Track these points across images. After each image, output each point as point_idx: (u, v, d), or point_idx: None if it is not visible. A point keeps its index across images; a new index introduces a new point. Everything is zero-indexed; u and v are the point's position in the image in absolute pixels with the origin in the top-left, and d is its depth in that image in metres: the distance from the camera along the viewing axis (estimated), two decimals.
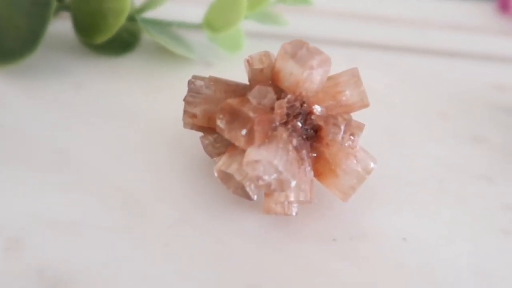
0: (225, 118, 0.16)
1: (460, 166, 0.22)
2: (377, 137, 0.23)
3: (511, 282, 0.17)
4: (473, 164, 0.22)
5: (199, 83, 0.18)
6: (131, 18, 0.25)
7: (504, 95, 0.27)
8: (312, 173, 0.17)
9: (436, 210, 0.19)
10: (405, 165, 0.21)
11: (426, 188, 0.20)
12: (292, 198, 0.17)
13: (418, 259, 0.17)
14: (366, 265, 0.17)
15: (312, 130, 0.17)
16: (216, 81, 0.18)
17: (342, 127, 0.17)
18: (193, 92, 0.18)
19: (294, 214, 0.17)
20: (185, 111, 0.18)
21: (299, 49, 0.16)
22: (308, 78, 0.16)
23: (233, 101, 0.16)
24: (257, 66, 0.17)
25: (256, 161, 0.15)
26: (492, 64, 0.31)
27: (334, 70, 0.18)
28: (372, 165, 0.18)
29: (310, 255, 0.17)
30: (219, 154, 0.18)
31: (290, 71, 0.16)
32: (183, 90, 0.19)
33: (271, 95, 0.16)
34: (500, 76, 0.29)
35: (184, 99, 0.18)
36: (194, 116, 0.18)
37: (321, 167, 0.17)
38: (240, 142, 0.16)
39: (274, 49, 0.19)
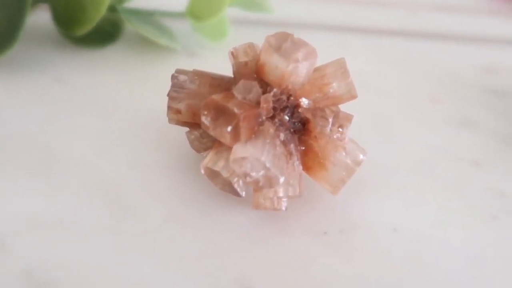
0: (209, 114, 0.15)
1: (450, 152, 0.21)
2: (366, 124, 0.22)
3: (503, 268, 0.17)
4: (464, 150, 0.22)
5: (182, 77, 0.17)
6: (112, 9, 0.24)
7: (495, 78, 0.27)
8: (300, 167, 0.17)
9: (426, 198, 0.19)
10: (395, 153, 0.21)
11: (416, 175, 0.20)
12: (281, 194, 0.16)
13: (410, 249, 0.17)
14: (357, 257, 0.16)
15: (299, 124, 0.17)
16: (200, 75, 0.17)
17: (330, 120, 0.16)
18: (177, 87, 0.17)
19: (283, 209, 0.17)
20: (169, 107, 0.18)
21: (284, 42, 0.15)
22: (294, 71, 0.15)
23: (217, 97, 0.16)
24: (242, 59, 0.17)
25: (243, 158, 0.15)
26: (483, 46, 0.30)
27: (322, 55, 0.17)
28: (361, 156, 0.17)
29: (301, 249, 0.17)
30: (206, 149, 0.18)
31: (275, 65, 0.15)
32: (168, 82, 0.18)
33: (257, 89, 0.16)
34: (491, 58, 0.29)
35: (168, 94, 0.18)
36: (178, 111, 0.17)
37: (310, 161, 0.17)
38: (226, 139, 0.15)
39: (260, 36, 0.19)
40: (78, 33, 0.24)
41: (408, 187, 0.19)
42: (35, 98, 0.22)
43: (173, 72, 0.18)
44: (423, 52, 0.29)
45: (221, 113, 0.15)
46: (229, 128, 0.15)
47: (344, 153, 0.17)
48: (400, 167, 0.20)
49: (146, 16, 0.25)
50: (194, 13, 0.25)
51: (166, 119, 0.18)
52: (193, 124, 0.18)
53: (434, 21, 0.33)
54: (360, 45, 0.29)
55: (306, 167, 0.17)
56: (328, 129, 0.16)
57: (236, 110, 0.15)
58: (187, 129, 0.18)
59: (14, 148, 0.19)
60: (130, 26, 0.26)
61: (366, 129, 0.22)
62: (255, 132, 0.16)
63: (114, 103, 0.22)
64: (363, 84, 0.20)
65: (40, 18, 0.27)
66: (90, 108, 0.22)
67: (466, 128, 0.23)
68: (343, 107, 0.18)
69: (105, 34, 0.25)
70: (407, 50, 0.29)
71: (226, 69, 0.19)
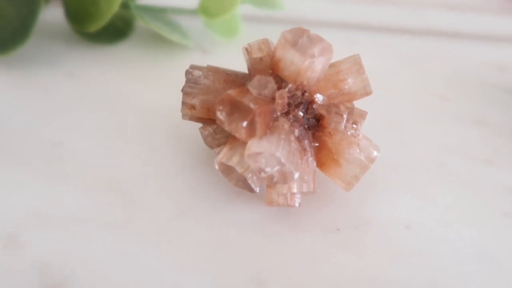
0: (225, 109, 0.15)
1: (461, 150, 0.21)
2: (377, 122, 0.22)
3: None
4: (475, 147, 0.22)
5: (197, 73, 0.17)
6: (125, 5, 0.24)
7: (505, 75, 0.27)
8: (314, 163, 0.17)
9: (438, 196, 0.19)
10: (406, 151, 0.21)
11: (428, 173, 0.20)
12: (295, 190, 0.16)
13: (422, 246, 0.17)
14: (370, 254, 0.16)
15: (314, 120, 0.17)
16: (214, 70, 0.17)
17: (345, 116, 0.16)
18: (191, 82, 0.17)
19: (297, 205, 0.17)
20: (183, 103, 0.18)
21: (300, 37, 0.15)
22: (310, 67, 0.15)
23: (232, 92, 0.16)
24: (256, 55, 0.17)
25: (258, 153, 0.15)
26: (493, 44, 0.30)
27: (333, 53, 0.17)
28: (375, 153, 0.17)
29: (314, 246, 0.17)
30: (220, 145, 0.18)
31: (291, 60, 0.15)
32: (180, 78, 0.18)
33: (272, 85, 0.16)
34: (502, 56, 0.29)
35: (182, 90, 0.18)
36: (192, 107, 0.17)
37: (323, 157, 0.17)
38: (241, 134, 0.15)
39: (271, 33, 0.19)
40: (91, 30, 0.24)
41: (421, 184, 0.19)
42: (47, 93, 0.22)
43: (185, 69, 0.18)
44: (434, 50, 0.29)
45: (237, 108, 0.15)
46: (244, 123, 0.15)
47: (358, 150, 0.17)
48: (412, 165, 0.20)
49: (158, 13, 0.25)
50: (206, 10, 0.25)
51: (179, 115, 0.18)
52: (207, 120, 0.18)
53: (445, 19, 0.32)
54: (370, 43, 0.29)
55: (320, 164, 0.17)
56: (342, 125, 0.16)
57: (251, 106, 0.15)
58: (200, 125, 0.18)
59: (27, 143, 0.19)
60: (142, 23, 0.26)
61: (377, 127, 0.22)
62: (270, 128, 0.16)
63: (126, 99, 0.22)
64: (374, 82, 0.20)
65: (52, 14, 0.27)
66: (102, 104, 0.22)
67: (477, 126, 0.23)
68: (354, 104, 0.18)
69: (117, 30, 0.26)
70: (417, 48, 0.29)
71: (238, 66, 0.19)
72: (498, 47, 0.30)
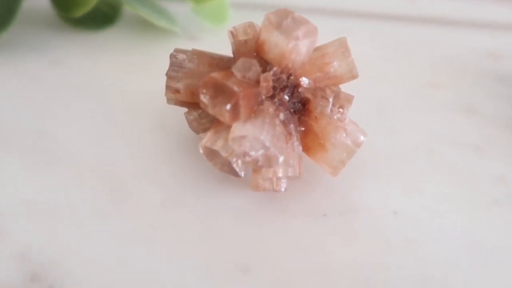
0: (208, 92, 0.15)
1: (451, 137, 0.21)
2: (367, 108, 0.22)
3: (502, 254, 0.16)
4: (465, 135, 0.21)
5: (181, 56, 0.17)
6: None
7: (497, 63, 0.27)
8: (300, 147, 0.17)
9: (426, 183, 0.19)
10: (395, 137, 0.21)
11: (416, 160, 0.20)
12: (280, 174, 0.16)
13: (409, 233, 0.17)
14: (357, 239, 0.16)
15: (299, 104, 0.17)
16: (199, 54, 0.17)
17: (331, 100, 0.16)
18: (175, 66, 0.17)
19: (283, 190, 0.17)
20: (167, 86, 0.17)
21: (284, 19, 0.15)
22: (294, 49, 0.15)
23: (216, 75, 0.15)
24: (241, 37, 0.16)
25: (242, 137, 0.15)
26: (486, 32, 0.30)
27: (322, 41, 0.17)
28: (362, 138, 0.17)
29: (300, 231, 0.16)
30: (205, 130, 0.18)
31: (275, 42, 0.15)
32: (167, 64, 0.18)
33: (256, 67, 0.16)
34: (494, 44, 0.29)
35: (166, 74, 0.17)
36: (177, 91, 0.17)
37: (309, 142, 0.17)
38: (224, 118, 0.15)
39: (260, 20, 0.18)
40: (76, 15, 0.23)
41: (409, 171, 0.19)
42: (32, 81, 0.22)
43: None
44: (425, 37, 0.29)
45: (220, 91, 0.15)
46: (228, 106, 0.15)
47: (344, 134, 0.17)
48: (401, 151, 0.20)
49: None
50: None
51: (165, 101, 0.18)
52: (192, 104, 0.17)
53: (436, 6, 0.32)
54: (361, 30, 0.29)
55: (306, 148, 0.17)
56: (328, 109, 0.16)
57: (235, 88, 0.15)
58: (185, 110, 0.18)
59: (11, 132, 0.19)
60: (128, 8, 0.25)
61: (367, 114, 0.22)
62: (254, 111, 0.15)
63: (112, 86, 0.22)
64: (364, 69, 0.20)
65: (37, 0, 0.26)
66: (88, 91, 0.21)
67: (468, 114, 0.23)
68: (343, 90, 0.17)
69: (104, 16, 0.25)
70: (409, 35, 0.29)
71: (226, 53, 0.18)
72: (491, 35, 0.30)
